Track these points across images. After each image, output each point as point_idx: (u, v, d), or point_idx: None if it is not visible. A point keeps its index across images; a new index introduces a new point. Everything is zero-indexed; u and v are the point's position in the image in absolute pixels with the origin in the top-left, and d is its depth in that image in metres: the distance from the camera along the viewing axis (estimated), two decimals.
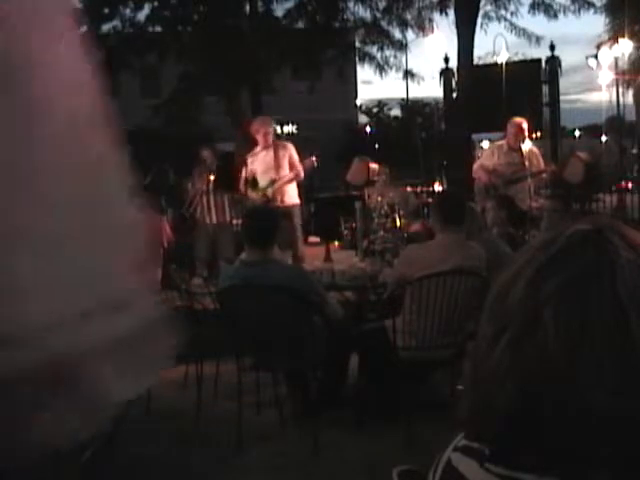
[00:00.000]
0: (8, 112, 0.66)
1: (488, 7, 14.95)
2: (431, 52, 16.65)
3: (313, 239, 11.37)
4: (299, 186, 7.72)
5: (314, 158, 7.63)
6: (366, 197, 7.17)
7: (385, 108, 38.56)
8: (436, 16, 15.69)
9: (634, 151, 16.62)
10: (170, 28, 14.87)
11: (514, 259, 0.88)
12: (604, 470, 0.77)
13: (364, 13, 15.71)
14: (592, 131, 30.36)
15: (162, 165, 8.24)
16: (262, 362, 4.09)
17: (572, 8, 14.98)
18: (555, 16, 15.04)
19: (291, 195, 7.48)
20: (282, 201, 7.34)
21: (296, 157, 7.42)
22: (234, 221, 7.84)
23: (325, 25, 15.48)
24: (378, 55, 16.31)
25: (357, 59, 17.12)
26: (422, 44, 17.52)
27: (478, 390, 0.86)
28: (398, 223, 6.35)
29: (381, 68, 16.44)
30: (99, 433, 0.75)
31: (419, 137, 22.15)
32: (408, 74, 17.68)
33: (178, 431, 4.22)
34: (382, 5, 15.62)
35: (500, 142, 7.76)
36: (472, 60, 13.93)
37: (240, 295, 3.94)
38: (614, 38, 17.27)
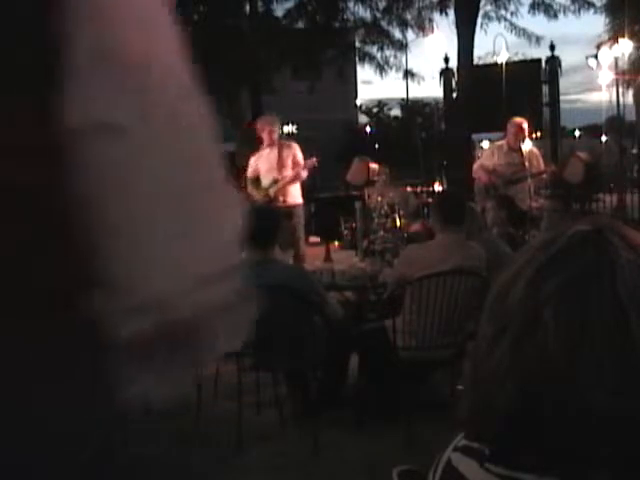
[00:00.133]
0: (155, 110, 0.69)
1: (488, 7, 14.98)
2: (431, 52, 16.67)
3: (313, 239, 11.37)
4: (302, 186, 7.71)
5: (314, 159, 7.63)
6: (366, 197, 7.16)
7: (385, 108, 38.61)
8: (436, 16, 15.71)
9: (634, 151, 16.60)
10: None
11: (514, 259, 0.88)
12: (604, 470, 0.77)
13: (364, 13, 15.74)
14: (592, 131, 30.33)
15: None
16: (262, 362, 4.08)
17: (572, 8, 15.02)
18: (555, 16, 15.06)
19: (294, 195, 7.47)
20: (284, 201, 7.33)
21: (300, 157, 7.41)
22: None
23: (325, 25, 15.48)
24: (378, 55, 16.34)
25: (357, 59, 17.13)
26: (422, 44, 17.54)
27: (478, 390, 0.86)
28: (398, 223, 6.35)
29: (381, 68, 16.47)
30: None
31: (419, 137, 22.16)
32: (408, 74, 17.70)
33: (178, 431, 4.22)
34: (382, 5, 15.63)
35: (500, 142, 7.75)
36: (472, 60, 13.94)
37: None
38: (614, 38, 17.26)
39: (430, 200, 10.12)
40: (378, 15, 15.76)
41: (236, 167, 7.85)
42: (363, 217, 6.73)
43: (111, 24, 0.67)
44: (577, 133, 36.96)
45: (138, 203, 0.66)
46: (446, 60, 14.05)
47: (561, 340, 0.78)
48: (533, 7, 15.05)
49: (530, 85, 13.14)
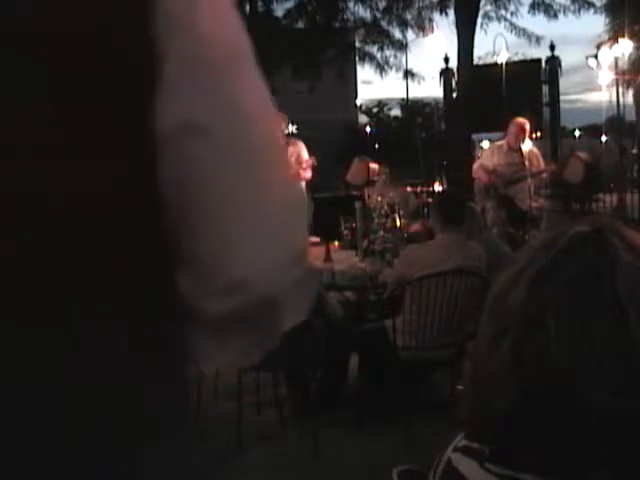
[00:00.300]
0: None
1: (488, 7, 14.98)
2: (431, 52, 16.62)
3: (313, 239, 11.35)
4: (306, 185, 7.70)
5: (313, 159, 7.62)
6: (366, 197, 7.15)
7: (385, 108, 38.58)
8: (436, 16, 15.70)
9: (634, 151, 16.59)
10: None
11: (514, 259, 0.88)
12: (604, 470, 0.78)
13: (364, 13, 15.73)
14: (592, 131, 30.30)
15: None
16: (262, 362, 4.08)
17: (572, 8, 15.02)
18: (555, 16, 15.06)
19: None
20: None
21: (305, 156, 7.39)
22: None
23: (325, 25, 15.48)
24: (378, 55, 16.33)
25: (357, 59, 17.12)
26: (422, 44, 17.50)
27: (478, 390, 0.86)
28: (398, 223, 6.34)
29: (381, 68, 16.46)
30: None
31: (419, 137, 22.12)
32: (408, 74, 17.70)
33: None
34: (382, 5, 15.62)
35: (500, 142, 7.76)
36: (472, 60, 13.93)
37: None
38: (614, 38, 17.26)
39: (430, 200, 10.10)
40: (378, 15, 15.76)
41: None
42: (363, 217, 6.72)
43: (199, 28, 0.72)
44: (577, 133, 36.93)
45: (222, 194, 0.70)
46: (446, 60, 14.04)
47: (561, 340, 0.78)
48: (533, 7, 15.06)
49: (530, 85, 13.13)
